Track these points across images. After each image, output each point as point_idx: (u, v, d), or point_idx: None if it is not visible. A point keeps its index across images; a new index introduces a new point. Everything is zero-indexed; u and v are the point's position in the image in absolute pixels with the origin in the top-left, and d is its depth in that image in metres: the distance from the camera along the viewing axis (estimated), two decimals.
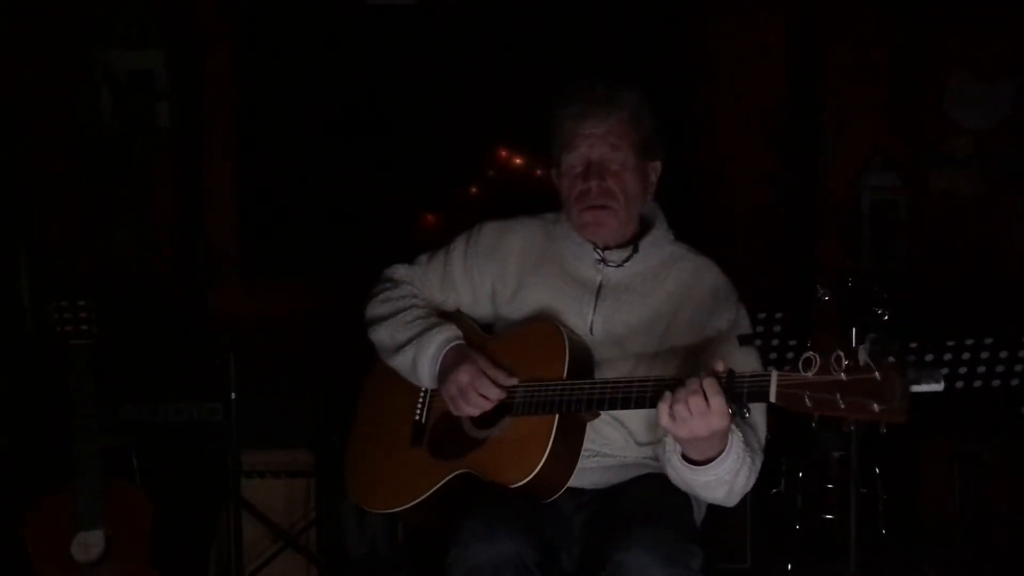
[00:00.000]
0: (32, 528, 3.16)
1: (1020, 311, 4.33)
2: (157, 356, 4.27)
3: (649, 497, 2.40)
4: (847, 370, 1.98)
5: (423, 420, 2.58)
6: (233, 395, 3.56)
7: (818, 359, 2.01)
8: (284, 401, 3.84)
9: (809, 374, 2.02)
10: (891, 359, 1.94)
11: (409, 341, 2.55)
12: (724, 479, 2.25)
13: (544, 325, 2.49)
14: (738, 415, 2.15)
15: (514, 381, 2.43)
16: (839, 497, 3.95)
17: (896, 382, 1.94)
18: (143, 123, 4.46)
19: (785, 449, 3.95)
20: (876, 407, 1.95)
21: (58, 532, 3.13)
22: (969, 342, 3.66)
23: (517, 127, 4.53)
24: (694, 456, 2.24)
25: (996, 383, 3.68)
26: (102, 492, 3.13)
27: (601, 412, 2.39)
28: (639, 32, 4.65)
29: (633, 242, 2.55)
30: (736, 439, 2.23)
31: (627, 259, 2.54)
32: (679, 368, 2.42)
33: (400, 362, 2.58)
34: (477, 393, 2.41)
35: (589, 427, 2.42)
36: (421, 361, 2.52)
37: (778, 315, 3.74)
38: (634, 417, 2.44)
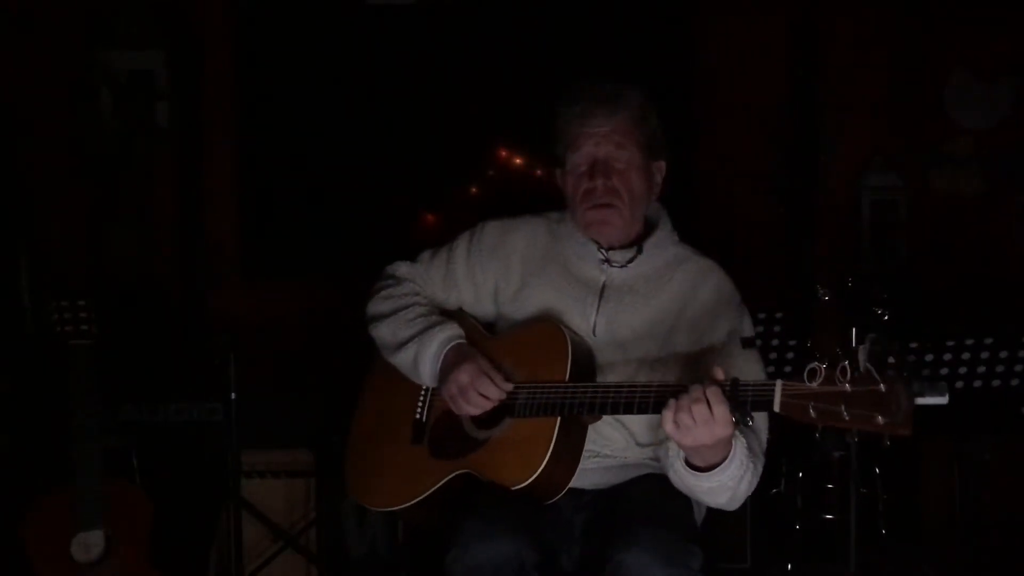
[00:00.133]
0: (32, 528, 3.16)
1: (1020, 311, 4.33)
2: (157, 356, 4.27)
3: (649, 497, 2.39)
4: (852, 381, 1.97)
5: (423, 418, 2.57)
6: (233, 395, 3.56)
7: (823, 370, 2.00)
8: (284, 401, 3.84)
9: (814, 384, 2.01)
10: (896, 371, 1.94)
11: (411, 339, 2.55)
12: (728, 484, 2.24)
13: (546, 326, 2.48)
14: (741, 423, 2.15)
15: (511, 386, 2.42)
16: (839, 497, 3.94)
17: (901, 394, 1.93)
18: (143, 123, 4.46)
19: (785, 449, 3.94)
20: (880, 419, 1.94)
21: (58, 532, 3.13)
22: (969, 342, 3.65)
23: (517, 127, 4.53)
24: (698, 463, 2.23)
25: (996, 383, 3.68)
26: (102, 492, 3.13)
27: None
28: (639, 32, 4.65)
29: (637, 243, 2.54)
30: (740, 445, 2.22)
31: (631, 260, 2.53)
32: (682, 371, 2.41)
33: (401, 360, 2.57)
34: (477, 393, 2.41)
35: (590, 428, 2.42)
36: (422, 359, 2.52)
37: (778, 315, 3.74)
38: (635, 418, 2.43)
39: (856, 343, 3.15)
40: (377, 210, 4.61)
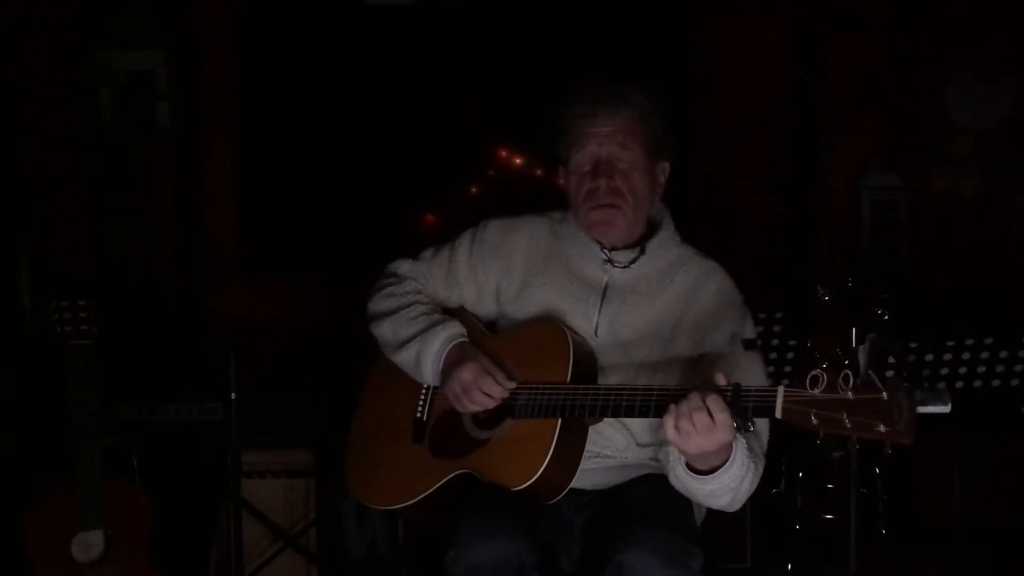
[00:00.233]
0: (32, 528, 3.16)
1: (1020, 311, 4.33)
2: (157, 356, 4.27)
3: (650, 498, 2.39)
4: (854, 388, 1.96)
5: (424, 417, 2.57)
6: (233, 395, 3.56)
7: (825, 377, 2.00)
8: (284, 401, 3.84)
9: (816, 391, 2.01)
10: (899, 379, 1.93)
11: (413, 337, 2.55)
12: (729, 486, 2.24)
13: (548, 326, 2.48)
14: (743, 429, 2.14)
15: (514, 385, 2.42)
16: (839, 497, 3.94)
17: (903, 403, 1.93)
18: (143, 123, 4.46)
19: (785, 449, 3.94)
20: (882, 428, 1.94)
21: (58, 532, 3.13)
22: (969, 342, 3.65)
23: (517, 127, 4.53)
24: (699, 466, 2.23)
25: (996, 383, 3.67)
26: (102, 492, 3.13)
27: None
28: (639, 32, 4.65)
29: (640, 243, 2.54)
30: (740, 447, 2.22)
31: (634, 260, 2.53)
32: (683, 372, 2.41)
33: (403, 358, 2.57)
34: (481, 391, 2.41)
35: (591, 428, 2.42)
36: (424, 358, 2.52)
37: (778, 315, 3.74)
38: (636, 419, 2.44)
39: (856, 343, 3.15)
40: (377, 210, 4.61)
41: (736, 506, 2.32)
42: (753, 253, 4.55)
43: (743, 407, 2.10)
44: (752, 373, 2.34)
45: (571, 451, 2.37)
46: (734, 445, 2.20)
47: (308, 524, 3.81)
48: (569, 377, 2.38)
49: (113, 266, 4.45)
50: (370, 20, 4.62)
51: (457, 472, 2.43)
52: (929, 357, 3.65)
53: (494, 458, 2.39)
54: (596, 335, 2.50)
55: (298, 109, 4.62)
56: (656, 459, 2.45)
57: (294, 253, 4.65)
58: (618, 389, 2.31)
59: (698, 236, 2.70)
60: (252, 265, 4.62)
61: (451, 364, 2.47)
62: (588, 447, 2.41)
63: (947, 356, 3.65)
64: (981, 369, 3.67)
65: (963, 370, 3.66)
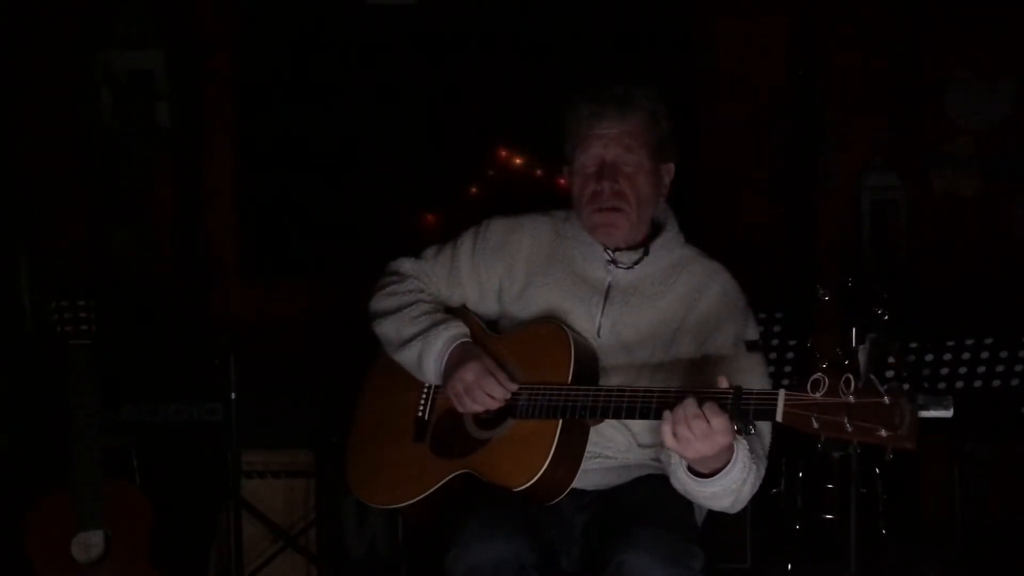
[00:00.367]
0: (32, 528, 3.16)
1: (1020, 311, 4.33)
2: (157, 356, 4.27)
3: (650, 498, 2.39)
4: (856, 392, 1.95)
5: (426, 417, 2.57)
6: (233, 395, 3.57)
7: (826, 380, 1.99)
8: (284, 401, 3.84)
9: (817, 395, 2.00)
10: (900, 383, 1.92)
11: (415, 336, 2.54)
12: (731, 488, 2.24)
13: (550, 327, 2.47)
14: (743, 432, 2.14)
15: (516, 386, 2.42)
16: (839, 497, 3.94)
17: (905, 408, 1.91)
18: (143, 123, 4.46)
19: (785, 449, 3.94)
20: (883, 432, 1.93)
21: (58, 532, 3.12)
22: (969, 342, 3.65)
23: (517, 127, 4.53)
24: (700, 469, 2.22)
25: (996, 383, 3.68)
26: (102, 492, 3.13)
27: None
28: (639, 32, 4.65)
29: (644, 244, 2.54)
30: (742, 448, 2.22)
31: (637, 261, 2.52)
32: (686, 373, 2.41)
33: (405, 357, 2.57)
34: (483, 391, 2.40)
35: (592, 429, 2.41)
36: (427, 357, 2.51)
37: (778, 315, 3.74)
38: (637, 420, 2.43)
39: (856, 343, 3.15)
40: (377, 210, 4.61)
41: (738, 508, 2.31)
42: (753, 253, 4.55)
43: (744, 411, 2.10)
44: (754, 375, 2.34)
45: (572, 452, 2.37)
46: (735, 447, 2.19)
47: (308, 524, 3.81)
48: (571, 378, 2.37)
49: (113, 266, 4.46)
50: (370, 20, 4.62)
51: (458, 472, 2.43)
52: (929, 357, 3.65)
53: (495, 458, 2.39)
54: (598, 336, 2.49)
55: (298, 109, 4.62)
56: (657, 460, 2.44)
57: (294, 253, 4.65)
58: (619, 390, 2.31)
59: (699, 236, 2.69)
60: (252, 265, 4.62)
61: (453, 364, 2.47)
62: (589, 447, 2.41)
63: (947, 356, 3.66)
64: (981, 369, 3.67)
65: (963, 370, 3.67)
